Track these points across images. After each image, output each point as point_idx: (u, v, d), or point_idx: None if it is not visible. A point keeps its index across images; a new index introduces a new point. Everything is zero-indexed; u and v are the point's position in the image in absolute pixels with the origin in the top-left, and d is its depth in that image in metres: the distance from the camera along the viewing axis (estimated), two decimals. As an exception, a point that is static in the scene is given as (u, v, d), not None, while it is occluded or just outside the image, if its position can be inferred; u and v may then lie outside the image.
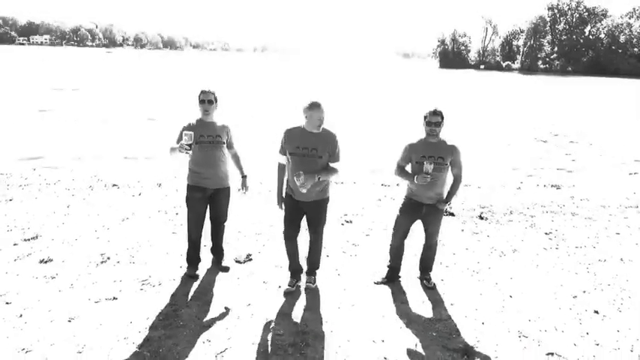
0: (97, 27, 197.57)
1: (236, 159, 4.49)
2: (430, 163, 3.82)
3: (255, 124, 13.99)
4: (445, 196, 4.11)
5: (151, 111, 16.44)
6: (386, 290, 4.25)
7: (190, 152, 3.92)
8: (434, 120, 3.88)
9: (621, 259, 5.14)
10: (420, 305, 4.01)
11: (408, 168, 4.15)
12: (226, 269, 4.47)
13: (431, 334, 3.57)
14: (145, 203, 6.46)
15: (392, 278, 4.41)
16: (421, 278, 4.42)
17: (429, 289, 4.27)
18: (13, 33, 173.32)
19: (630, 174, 9.57)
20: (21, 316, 3.54)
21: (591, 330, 3.70)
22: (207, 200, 4.26)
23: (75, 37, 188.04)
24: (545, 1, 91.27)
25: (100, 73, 36.72)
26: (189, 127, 4.04)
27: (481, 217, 6.46)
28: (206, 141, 4.07)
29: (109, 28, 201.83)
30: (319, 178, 3.74)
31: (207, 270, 4.47)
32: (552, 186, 8.46)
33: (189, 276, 4.30)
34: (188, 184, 4.23)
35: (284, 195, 4.06)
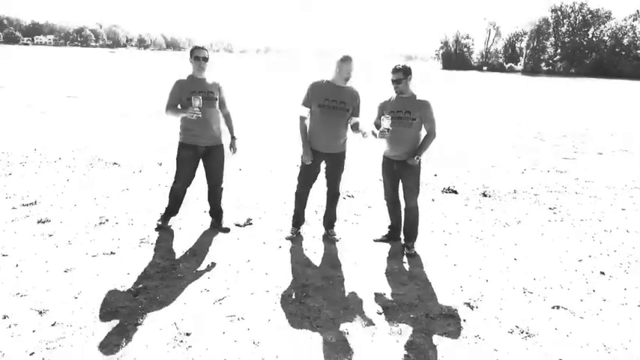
0: (100, 27, 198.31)
1: (228, 119, 4.44)
2: (388, 117, 3.75)
3: (261, 115, 13.99)
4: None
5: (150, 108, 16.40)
6: (388, 251, 4.18)
7: (200, 115, 3.92)
8: (394, 77, 3.87)
9: (627, 231, 5.06)
10: (423, 265, 3.93)
11: None
12: (227, 230, 4.43)
13: (434, 289, 3.50)
14: (145, 178, 6.41)
15: (392, 237, 4.36)
16: (403, 245, 4.26)
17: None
18: (17, 33, 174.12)
19: (632, 156, 9.48)
20: (17, 266, 3.49)
21: (598, 288, 3.62)
22: (198, 159, 4.23)
23: (79, 38, 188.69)
24: (548, 3, 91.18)
25: (103, 72, 36.75)
26: (181, 83, 4.03)
27: (484, 195, 6.39)
28: (199, 97, 3.98)
29: (113, 28, 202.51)
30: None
31: (205, 231, 4.41)
32: (557, 171, 8.37)
33: (160, 227, 4.36)
34: (180, 142, 4.19)
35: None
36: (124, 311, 2.96)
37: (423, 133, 4.03)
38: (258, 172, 6.92)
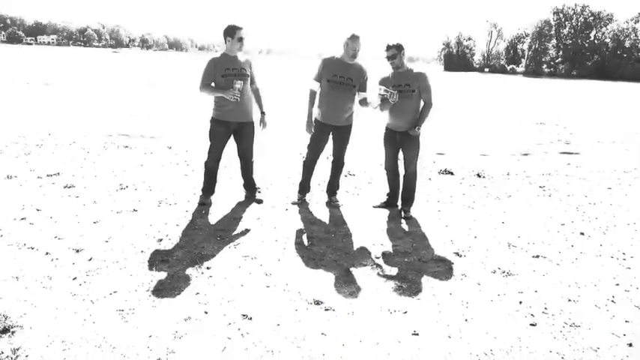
0: (103, 28, 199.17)
1: (257, 94, 4.57)
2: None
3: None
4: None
5: (148, 107, 16.79)
6: (386, 215, 4.55)
7: (239, 98, 4.15)
8: (389, 54, 4.22)
9: (610, 204, 5.42)
10: (417, 225, 4.30)
11: None
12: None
13: (427, 242, 3.87)
14: (157, 158, 6.78)
15: (390, 203, 4.72)
16: (400, 210, 4.62)
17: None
18: (20, 33, 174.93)
19: (626, 150, 9.82)
20: (51, 217, 3.87)
21: (576, 244, 3.98)
22: (229, 134, 4.38)
23: (82, 38, 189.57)
24: (550, 5, 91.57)
25: (110, 71, 37.19)
26: (216, 61, 4.16)
27: (479, 176, 6.74)
28: (232, 74, 4.17)
29: (116, 29, 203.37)
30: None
31: (218, 197, 4.77)
32: (550, 159, 8.72)
33: (201, 203, 4.49)
34: (212, 118, 4.32)
35: (314, 121, 4.47)
36: (150, 251, 3.34)
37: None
38: (264, 156, 7.30)
